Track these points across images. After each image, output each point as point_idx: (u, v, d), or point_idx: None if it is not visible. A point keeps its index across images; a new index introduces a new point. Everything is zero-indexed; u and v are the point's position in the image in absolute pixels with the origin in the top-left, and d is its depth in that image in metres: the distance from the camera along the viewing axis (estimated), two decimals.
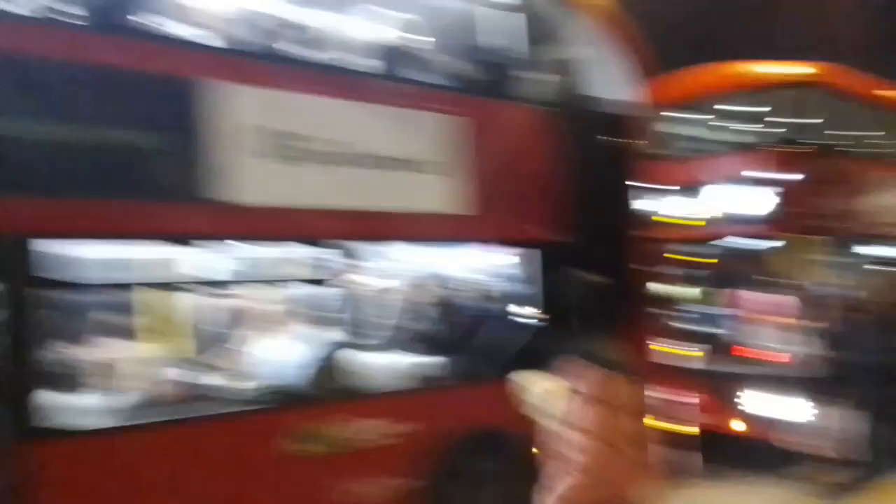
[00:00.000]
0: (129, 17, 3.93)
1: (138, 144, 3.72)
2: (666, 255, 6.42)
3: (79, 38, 3.73)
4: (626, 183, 5.88)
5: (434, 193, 4.79)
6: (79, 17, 3.76)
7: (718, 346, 7.57)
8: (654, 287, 6.11)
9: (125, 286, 4.24)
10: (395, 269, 5.58)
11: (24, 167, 3.47)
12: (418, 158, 4.69)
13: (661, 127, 7.45)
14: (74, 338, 4.02)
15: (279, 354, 4.46)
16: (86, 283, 3.93)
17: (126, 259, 4.25)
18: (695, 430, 6.25)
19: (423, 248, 5.40)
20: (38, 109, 3.50)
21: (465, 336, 5.07)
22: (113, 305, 4.26)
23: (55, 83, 3.54)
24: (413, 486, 4.47)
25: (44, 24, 3.65)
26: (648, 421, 2.83)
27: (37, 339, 3.51)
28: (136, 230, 3.79)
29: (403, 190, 4.64)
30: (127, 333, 4.19)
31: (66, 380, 3.83)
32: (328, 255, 4.41)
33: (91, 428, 3.68)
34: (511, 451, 4.87)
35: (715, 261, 8.20)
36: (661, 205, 7.39)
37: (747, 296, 7.66)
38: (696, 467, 6.01)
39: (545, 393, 2.85)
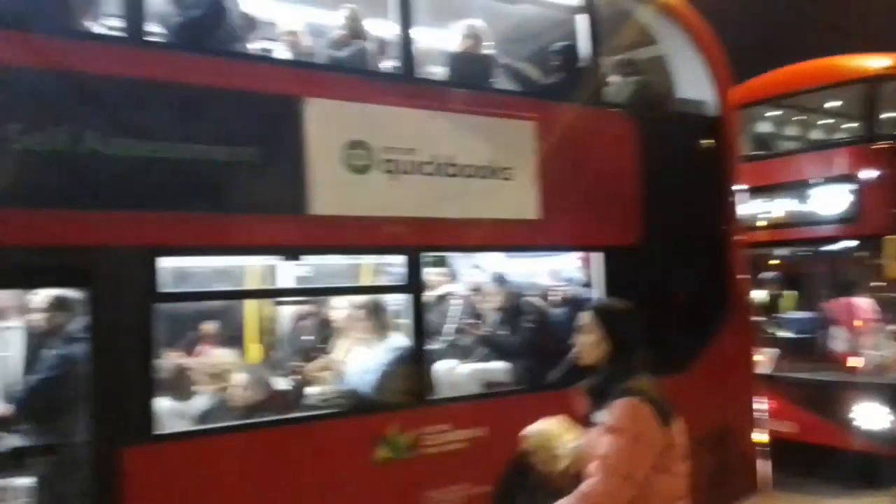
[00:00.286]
0: (238, 41, 4.17)
1: (242, 160, 3.86)
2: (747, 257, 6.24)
3: (172, 59, 3.89)
4: (710, 185, 5.77)
5: (514, 199, 4.79)
6: (182, 40, 3.98)
7: (791, 351, 7.38)
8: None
9: (220, 296, 4.45)
10: (469, 276, 5.63)
11: (146, 184, 3.66)
12: (494, 165, 4.69)
13: (744, 126, 7.26)
14: (179, 345, 4.19)
15: (361, 362, 4.59)
16: (194, 294, 4.11)
17: (222, 270, 4.43)
18: (764, 437, 6.10)
19: (499, 255, 5.43)
20: (159, 130, 3.68)
21: (539, 342, 5.08)
22: (210, 315, 4.45)
23: (169, 106, 3.74)
24: (486, 492, 4.52)
25: (153, 50, 3.86)
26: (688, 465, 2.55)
27: (155, 348, 3.70)
28: (243, 243, 3.97)
29: (482, 197, 4.65)
30: (225, 342, 4.35)
31: (172, 385, 4.02)
32: (403, 263, 4.46)
33: (194, 430, 3.92)
34: None
35: (779, 262, 8.00)
36: (743, 206, 7.22)
37: (827, 298, 7.44)
38: (767, 477, 5.86)
39: (546, 434, 2.71)
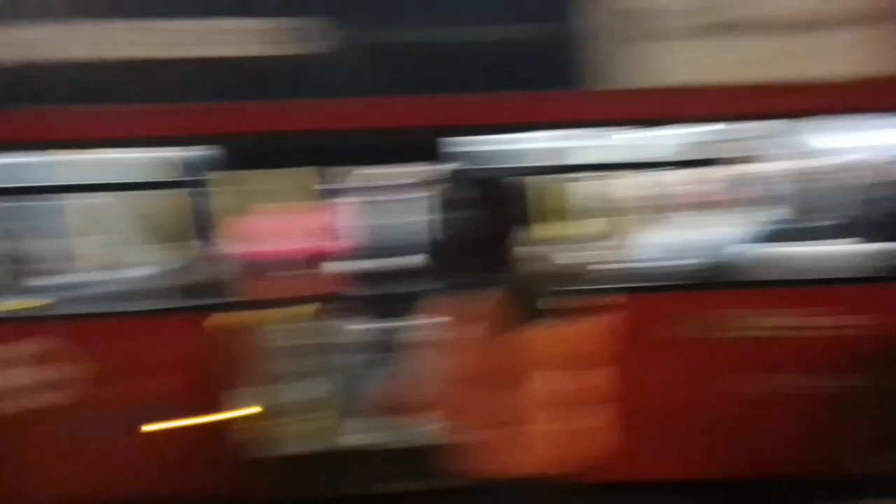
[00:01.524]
0: None
1: (531, 38, 4.13)
2: None
3: None
4: None
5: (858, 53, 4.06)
6: None
7: None
8: None
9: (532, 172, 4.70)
10: (821, 148, 4.80)
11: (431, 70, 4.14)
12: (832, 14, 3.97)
13: None
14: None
15: (697, 236, 4.56)
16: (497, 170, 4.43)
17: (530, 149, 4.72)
18: None
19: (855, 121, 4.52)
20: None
21: None
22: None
23: None
24: (848, 383, 4.18)
25: None
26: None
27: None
28: (542, 119, 4.18)
29: (819, 54, 4.02)
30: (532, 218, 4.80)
31: None
32: (737, 135, 4.21)
33: None
34: None
35: None
36: None
37: None
38: None
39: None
